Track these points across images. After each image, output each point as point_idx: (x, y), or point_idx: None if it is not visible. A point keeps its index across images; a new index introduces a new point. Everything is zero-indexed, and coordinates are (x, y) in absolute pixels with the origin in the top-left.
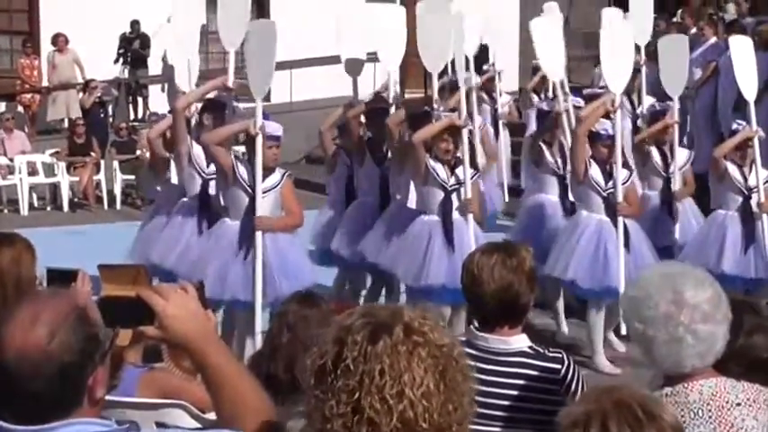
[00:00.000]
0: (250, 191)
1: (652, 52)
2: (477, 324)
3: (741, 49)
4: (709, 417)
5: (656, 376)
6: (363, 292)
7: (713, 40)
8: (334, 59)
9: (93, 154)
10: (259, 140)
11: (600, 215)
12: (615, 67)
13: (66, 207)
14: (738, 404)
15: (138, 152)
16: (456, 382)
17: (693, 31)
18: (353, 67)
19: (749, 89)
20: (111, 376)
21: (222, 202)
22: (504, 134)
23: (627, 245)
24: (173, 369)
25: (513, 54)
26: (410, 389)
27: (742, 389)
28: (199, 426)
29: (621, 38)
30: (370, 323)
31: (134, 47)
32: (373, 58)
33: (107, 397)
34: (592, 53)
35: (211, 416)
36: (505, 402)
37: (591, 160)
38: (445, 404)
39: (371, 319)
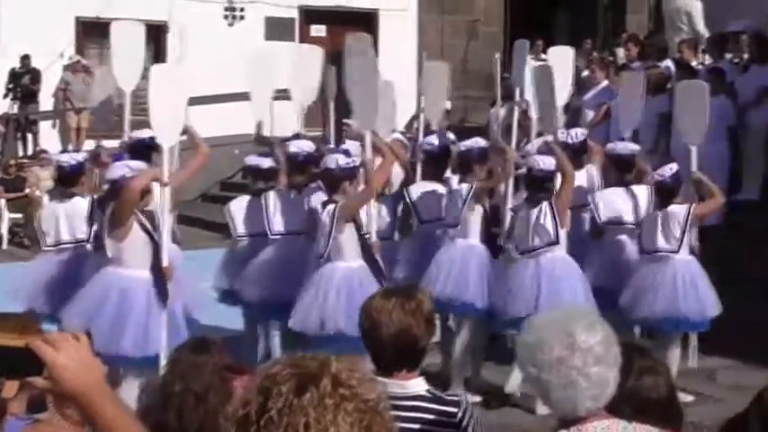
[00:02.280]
0: (155, 238)
1: None
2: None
3: (627, 88)
4: None
5: (549, 419)
6: None
7: (605, 83)
8: (233, 97)
9: None
10: (168, 189)
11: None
12: (546, 109)
13: None
14: None
15: (27, 190)
16: None
17: (585, 74)
18: (261, 105)
19: (628, 124)
20: None
21: (112, 252)
22: None
23: None
24: (58, 420)
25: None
26: None
27: (633, 429)
28: None
29: (549, 82)
30: (297, 374)
31: (24, 82)
32: (281, 96)
33: None
34: (489, 93)
35: None
36: None
37: None
38: None
39: (298, 370)
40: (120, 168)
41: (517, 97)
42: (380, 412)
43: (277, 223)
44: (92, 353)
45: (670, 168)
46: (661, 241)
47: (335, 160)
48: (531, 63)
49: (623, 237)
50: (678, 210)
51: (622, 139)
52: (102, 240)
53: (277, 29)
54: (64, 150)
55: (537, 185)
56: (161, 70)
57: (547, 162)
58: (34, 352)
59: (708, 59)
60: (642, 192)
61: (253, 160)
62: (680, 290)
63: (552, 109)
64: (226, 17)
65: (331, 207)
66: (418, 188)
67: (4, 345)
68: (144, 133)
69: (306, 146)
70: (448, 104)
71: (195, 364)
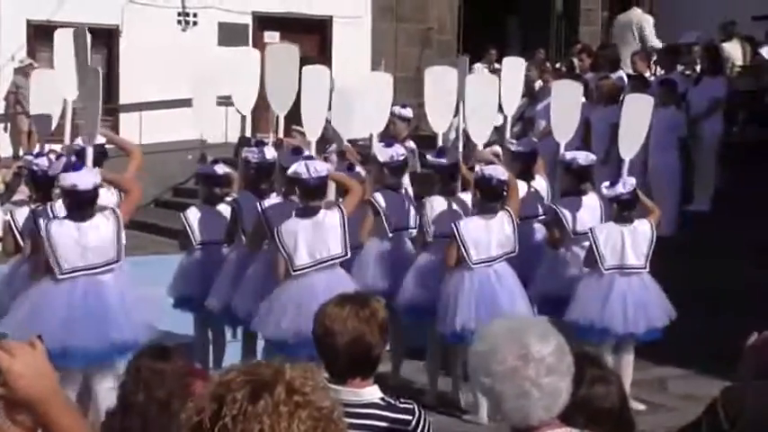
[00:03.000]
0: None
1: None
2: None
3: (564, 96)
4: None
5: (501, 427)
6: None
7: None
8: (187, 102)
9: None
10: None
11: None
12: (477, 122)
13: None
14: None
15: None
16: None
17: (539, 83)
18: (205, 112)
19: (564, 133)
20: None
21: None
22: None
23: None
24: (8, 425)
25: None
26: None
27: None
28: None
29: (484, 93)
30: (251, 381)
31: None
32: (224, 102)
33: None
34: None
35: None
36: None
37: None
38: None
39: (253, 377)
40: (95, 175)
41: (460, 111)
42: (335, 420)
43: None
44: (46, 360)
45: (631, 183)
46: (632, 258)
47: (325, 168)
48: (482, 71)
49: (577, 247)
50: (645, 226)
51: (578, 149)
52: (36, 251)
53: (230, 35)
54: (40, 153)
55: (493, 195)
56: (84, 73)
57: (501, 172)
58: None
59: (660, 71)
60: (595, 201)
61: (205, 168)
62: (656, 302)
63: (489, 121)
64: (179, 23)
65: (335, 211)
66: (386, 197)
67: None
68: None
69: (272, 152)
70: (408, 112)
71: (157, 372)
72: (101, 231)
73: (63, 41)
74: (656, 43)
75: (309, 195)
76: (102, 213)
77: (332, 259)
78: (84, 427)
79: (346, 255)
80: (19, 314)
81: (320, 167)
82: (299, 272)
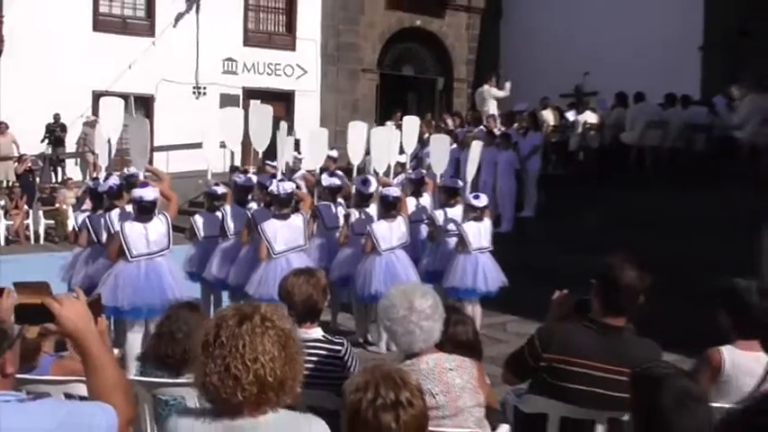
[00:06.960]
0: None
1: None
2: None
3: (439, 144)
4: (434, 378)
5: (400, 354)
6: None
7: None
8: (198, 146)
9: (18, 206)
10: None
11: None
12: (379, 158)
13: (2, 242)
14: (451, 369)
15: (57, 205)
16: (292, 352)
17: (426, 135)
18: (210, 152)
19: (439, 167)
20: (31, 359)
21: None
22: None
23: None
24: (74, 355)
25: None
26: (262, 355)
27: (453, 359)
28: None
29: (384, 140)
30: (237, 313)
31: (56, 132)
32: (224, 144)
33: (28, 376)
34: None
35: None
36: (306, 372)
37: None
38: (284, 366)
39: (239, 311)
40: (155, 191)
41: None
42: (293, 338)
43: (232, 227)
44: (86, 306)
45: (476, 195)
46: (484, 242)
47: (291, 187)
48: (391, 126)
49: (448, 239)
50: (488, 222)
51: (451, 177)
52: (110, 243)
53: (227, 101)
54: (96, 178)
55: (391, 206)
56: (134, 121)
57: (395, 191)
58: (47, 307)
59: (502, 127)
60: (460, 211)
61: (210, 188)
62: (496, 270)
63: (387, 158)
64: (193, 93)
65: (299, 215)
66: (325, 208)
67: (27, 303)
68: (133, 169)
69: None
70: (335, 153)
71: (188, 316)
72: (158, 229)
73: (106, 105)
74: (501, 94)
75: (282, 205)
76: (158, 216)
77: (298, 247)
78: (108, 357)
79: (306, 245)
80: (107, 287)
81: (288, 186)
82: (278, 255)
